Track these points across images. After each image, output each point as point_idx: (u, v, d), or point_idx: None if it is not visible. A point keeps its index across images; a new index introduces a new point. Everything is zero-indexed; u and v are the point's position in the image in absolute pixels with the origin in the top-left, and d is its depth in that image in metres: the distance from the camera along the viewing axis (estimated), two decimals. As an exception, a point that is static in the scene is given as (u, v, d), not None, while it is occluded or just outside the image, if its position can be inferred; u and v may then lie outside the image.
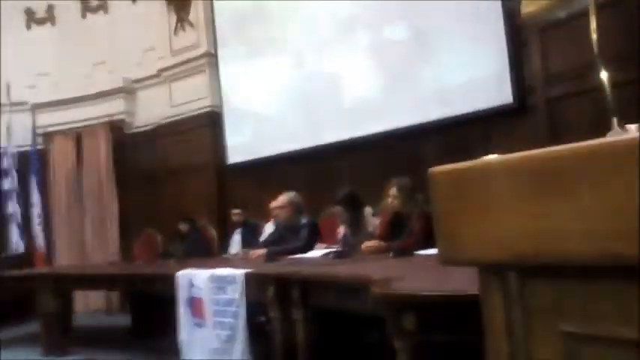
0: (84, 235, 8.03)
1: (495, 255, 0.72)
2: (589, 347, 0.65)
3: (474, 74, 4.88)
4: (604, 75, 1.83)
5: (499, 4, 4.70)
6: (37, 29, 8.90)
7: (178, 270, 3.92)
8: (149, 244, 7.16)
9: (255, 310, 3.37)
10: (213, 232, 6.54)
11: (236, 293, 3.25)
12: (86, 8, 8.71)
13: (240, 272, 3.27)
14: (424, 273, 2.46)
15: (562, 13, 1.27)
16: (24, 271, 6.38)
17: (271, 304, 3.01)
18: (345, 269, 2.85)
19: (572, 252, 0.63)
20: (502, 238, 0.70)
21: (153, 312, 5.64)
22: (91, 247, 7.93)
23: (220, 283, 3.37)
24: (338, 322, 2.85)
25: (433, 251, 3.16)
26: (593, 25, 1.11)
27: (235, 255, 5.40)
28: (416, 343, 1.84)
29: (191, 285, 3.66)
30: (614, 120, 1.09)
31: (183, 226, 6.37)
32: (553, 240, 0.64)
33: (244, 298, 3.23)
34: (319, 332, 2.83)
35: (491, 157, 0.76)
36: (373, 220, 4.18)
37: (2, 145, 8.18)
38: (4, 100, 8.31)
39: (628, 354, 0.61)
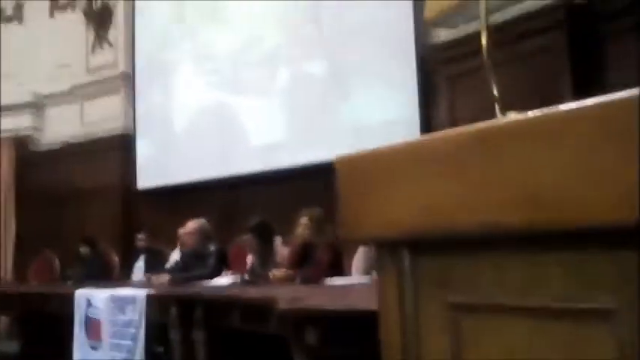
0: (-26, 254, 7.50)
1: (390, 233, 0.77)
2: (472, 315, 0.70)
3: (386, 115, 5.06)
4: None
5: (413, 49, 4.94)
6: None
7: (76, 290, 3.76)
8: (46, 266, 6.81)
9: (152, 338, 3.27)
10: (114, 257, 6.30)
11: (136, 314, 3.15)
12: (1, 18, 8.36)
13: (141, 292, 3.18)
14: (328, 295, 2.50)
15: (460, 20, 1.37)
16: None
17: (173, 325, 2.95)
18: (250, 292, 2.85)
19: (458, 226, 0.69)
20: (396, 217, 0.76)
21: (44, 336, 5.34)
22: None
23: (120, 304, 3.26)
24: (241, 346, 2.82)
25: (340, 280, 3.22)
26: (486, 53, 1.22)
27: (133, 281, 5.23)
28: (317, 357, 1.87)
29: (89, 304, 3.52)
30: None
31: (83, 249, 6.09)
32: (441, 216, 0.70)
33: (144, 320, 3.13)
34: (222, 355, 2.78)
35: (386, 145, 0.82)
36: (282, 250, 4.20)
37: None
38: None
39: (507, 320, 0.67)
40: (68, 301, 3.83)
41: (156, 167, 6.65)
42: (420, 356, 0.76)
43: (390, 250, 0.80)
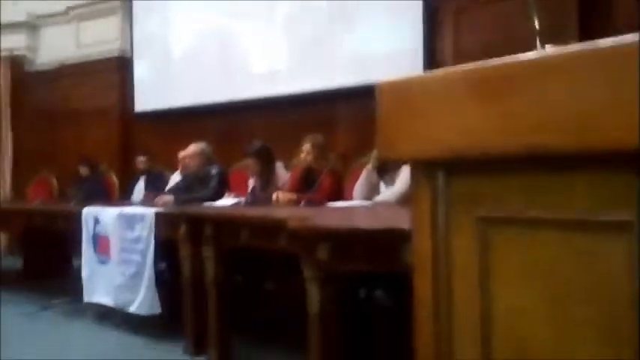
0: (-27, 171, 7.57)
1: (426, 152, 0.85)
2: (501, 228, 0.80)
3: (389, 46, 5.07)
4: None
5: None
6: None
7: (81, 208, 3.87)
8: (44, 185, 6.91)
9: (158, 254, 3.40)
10: (114, 178, 6.39)
11: (144, 231, 3.27)
12: None
13: (150, 211, 3.29)
14: (334, 215, 2.62)
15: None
16: None
17: (182, 242, 3.07)
18: (257, 212, 2.96)
19: (492, 147, 0.77)
20: (434, 139, 0.84)
21: (47, 253, 5.50)
22: (-21, 185, 7.49)
23: (128, 221, 3.38)
24: (248, 262, 2.96)
25: (341, 204, 3.35)
26: None
27: (137, 201, 5.34)
28: (328, 273, 2.00)
29: (96, 222, 3.63)
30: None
31: (83, 170, 6.17)
32: (477, 138, 0.79)
33: (152, 237, 3.26)
34: (230, 270, 2.93)
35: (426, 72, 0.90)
36: (284, 175, 4.30)
37: None
38: None
39: (534, 232, 0.77)
40: (74, 218, 3.94)
41: (155, 91, 6.65)
42: (450, 267, 0.87)
43: (425, 169, 0.88)
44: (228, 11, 6.09)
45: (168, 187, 5.10)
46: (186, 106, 6.31)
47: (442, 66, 4.85)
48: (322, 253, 1.98)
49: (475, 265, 0.83)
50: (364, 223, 2.24)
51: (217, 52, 6.16)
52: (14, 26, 7.74)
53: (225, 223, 2.86)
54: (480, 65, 0.81)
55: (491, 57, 0.82)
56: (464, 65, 0.83)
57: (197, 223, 3.00)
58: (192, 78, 6.31)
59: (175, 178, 5.52)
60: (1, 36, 7.69)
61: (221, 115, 6.08)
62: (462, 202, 0.85)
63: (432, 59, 4.96)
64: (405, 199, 3.27)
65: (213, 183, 4.61)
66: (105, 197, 5.83)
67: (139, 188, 5.81)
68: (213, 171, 4.69)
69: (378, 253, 1.89)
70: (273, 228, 2.40)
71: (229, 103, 5.98)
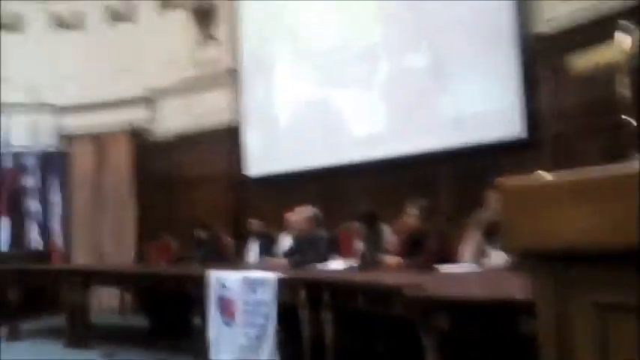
0: (101, 236, 8.32)
1: (547, 245, 1.03)
2: (617, 314, 0.96)
3: (486, 105, 5.21)
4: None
5: (514, 39, 5.04)
6: (65, 33, 9.22)
7: (207, 271, 4.21)
8: (165, 248, 7.43)
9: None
10: (229, 241, 6.81)
11: (267, 295, 3.54)
12: (114, 16, 9.05)
13: (272, 275, 3.57)
14: (448, 282, 2.76)
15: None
16: (55, 264, 6.65)
17: (302, 306, 3.31)
18: (371, 277, 3.15)
19: (604, 242, 0.95)
20: (553, 234, 1.02)
21: (170, 313, 5.92)
22: (107, 249, 8.20)
23: (252, 285, 3.67)
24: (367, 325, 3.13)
25: (451, 267, 3.47)
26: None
27: (254, 263, 5.68)
28: (446, 341, 2.15)
29: (222, 286, 3.95)
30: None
31: (200, 233, 6.64)
32: (591, 235, 0.96)
33: (276, 300, 3.52)
34: (349, 334, 3.11)
35: (544, 174, 1.08)
36: (390, 238, 4.48)
37: (26, 145, 8.48)
38: (29, 101, 8.63)
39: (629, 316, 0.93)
40: (199, 281, 4.28)
41: (263, 156, 7.11)
42: (572, 348, 1.03)
43: (546, 260, 1.06)
44: (328, 78, 6.48)
45: (280, 250, 5.40)
46: (292, 171, 6.68)
47: (541, 126, 4.95)
48: (441, 322, 2.13)
49: (594, 345, 0.99)
50: (480, 291, 2.37)
51: (320, 117, 6.53)
52: (134, 101, 8.58)
53: (342, 288, 3.07)
54: (590, 173, 0.99)
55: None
56: (577, 171, 1.01)
57: (316, 288, 3.22)
58: (297, 143, 6.70)
59: (285, 239, 5.84)
60: (123, 110, 8.54)
61: (325, 178, 6.38)
62: (578, 288, 1.02)
63: (530, 118, 5.03)
64: (514, 263, 3.35)
65: (323, 246, 4.86)
66: (221, 258, 6.23)
67: (252, 249, 6.19)
68: (323, 234, 4.95)
69: (494, 322, 2.02)
70: (390, 294, 2.58)
71: (332, 167, 6.28)
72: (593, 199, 0.98)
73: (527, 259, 1.14)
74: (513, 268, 3.35)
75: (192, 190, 7.73)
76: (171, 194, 8.00)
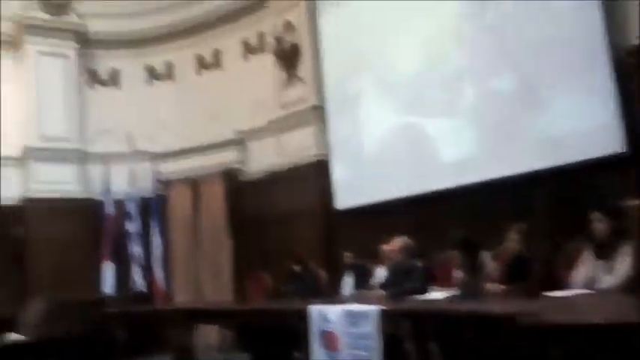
0: (200, 275, 8.63)
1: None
2: None
3: (581, 123, 5.03)
4: None
5: (606, 54, 4.87)
6: (157, 85, 9.82)
7: (307, 305, 4.26)
8: (260, 284, 7.60)
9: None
10: (323, 274, 6.87)
11: (370, 327, 3.53)
12: (202, 65, 9.55)
13: (374, 308, 3.57)
14: (561, 308, 2.66)
15: None
16: (158, 305, 6.93)
17: (407, 337, 3.28)
18: (477, 306, 3.09)
19: None
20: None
21: (270, 348, 6.01)
22: (206, 287, 8.49)
23: (354, 318, 3.68)
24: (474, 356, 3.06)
25: (561, 293, 3.35)
26: None
27: (351, 296, 5.70)
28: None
29: (323, 319, 3.99)
30: None
31: (295, 267, 6.76)
32: None
33: (379, 333, 3.51)
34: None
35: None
36: (491, 264, 4.38)
37: (127, 192, 8.99)
38: (128, 150, 9.18)
39: None
40: (299, 315, 4.33)
41: (352, 188, 7.18)
42: None
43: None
44: (413, 106, 6.49)
45: (377, 281, 5.40)
46: (383, 201, 6.69)
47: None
48: (560, 350, 2.06)
49: None
50: (596, 316, 2.28)
51: (407, 145, 6.53)
52: (225, 144, 8.93)
53: (447, 319, 3.02)
54: None
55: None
56: None
57: (420, 319, 3.19)
58: (386, 173, 6.72)
59: (380, 271, 5.82)
60: (215, 153, 8.92)
61: (417, 206, 6.32)
62: None
63: (629, 134, 4.80)
64: (630, 285, 3.19)
65: (419, 276, 4.81)
66: (316, 292, 6.30)
67: (347, 282, 6.21)
68: (418, 264, 4.91)
69: (614, 349, 1.93)
70: (501, 323, 2.52)
71: (424, 195, 6.23)
72: None
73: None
74: (626, 290, 3.20)
75: (285, 226, 7.86)
76: (265, 230, 8.17)
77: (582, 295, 3.25)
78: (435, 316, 3.09)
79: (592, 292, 3.34)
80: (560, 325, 2.14)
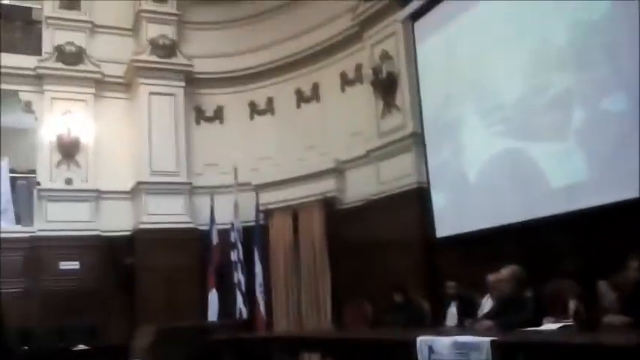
0: (300, 302, 8.74)
1: None
2: None
3: None
4: None
5: None
6: (258, 119, 10.19)
7: (412, 336, 4.19)
8: (360, 312, 7.58)
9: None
10: (424, 304, 6.75)
11: (482, 359, 3.42)
12: (300, 98, 9.82)
13: (485, 339, 3.45)
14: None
15: None
16: (261, 333, 7.08)
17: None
18: (596, 338, 2.92)
19: None
20: None
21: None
22: (306, 314, 8.58)
23: (464, 349, 3.57)
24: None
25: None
26: None
27: (456, 327, 5.56)
28: None
29: (431, 351, 3.90)
30: None
31: (397, 296, 6.69)
32: None
33: (491, 365, 3.39)
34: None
35: None
36: (609, 294, 4.13)
37: (231, 222, 9.31)
38: (231, 182, 9.54)
39: None
40: (400, 345, 4.27)
41: (454, 216, 7.03)
42: None
43: None
44: (517, 130, 6.26)
45: (483, 312, 5.23)
46: (486, 229, 6.49)
47: None
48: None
49: None
50: None
51: (511, 171, 6.29)
52: (324, 173, 9.07)
53: (566, 351, 2.87)
54: None
55: None
56: None
57: (535, 350, 3.06)
58: (490, 200, 6.52)
59: (486, 302, 5.65)
60: (314, 182, 9.07)
61: (523, 234, 6.07)
62: None
63: None
64: None
65: (530, 306, 4.62)
66: (419, 322, 6.19)
67: (451, 313, 6.06)
68: (529, 294, 4.72)
69: None
70: (624, 356, 2.37)
71: (530, 222, 5.98)
72: None
73: None
74: None
75: (384, 254, 7.81)
76: (364, 258, 8.15)
77: None
78: (550, 348, 2.95)
79: None
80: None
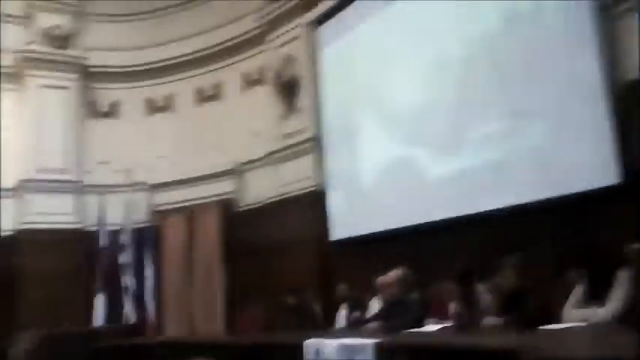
0: (192, 307, 8.52)
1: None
2: None
3: (575, 159, 4.99)
4: None
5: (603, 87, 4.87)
6: (156, 116, 9.85)
7: (301, 339, 4.18)
8: (253, 316, 7.50)
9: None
10: (316, 307, 6.78)
11: (365, 361, 3.46)
12: (201, 97, 9.61)
13: (370, 341, 3.50)
14: (555, 342, 2.61)
15: None
16: (147, 338, 6.80)
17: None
18: (473, 340, 3.03)
19: None
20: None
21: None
22: (198, 319, 8.37)
23: (349, 352, 3.60)
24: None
25: (555, 326, 3.30)
26: None
27: (345, 329, 5.61)
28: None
29: (317, 353, 3.90)
30: None
31: (290, 299, 6.66)
32: None
33: (374, 367, 3.43)
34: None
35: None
36: (486, 297, 4.33)
37: (121, 223, 8.93)
38: (124, 181, 9.17)
39: None
40: (290, 349, 4.24)
41: (348, 219, 7.13)
42: None
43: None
44: (412, 137, 6.46)
45: (371, 314, 5.32)
46: (379, 232, 6.63)
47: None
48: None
49: None
50: (589, 351, 2.24)
51: (404, 177, 6.48)
52: (223, 174, 8.94)
53: (447, 353, 2.95)
54: None
55: None
56: None
57: (417, 353, 3.13)
58: (383, 205, 6.68)
59: (375, 304, 5.75)
60: (211, 184, 8.90)
61: (413, 238, 6.25)
62: None
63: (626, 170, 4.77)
64: (622, 316, 3.16)
65: (414, 309, 4.75)
66: (311, 325, 6.20)
67: (342, 315, 6.12)
68: (414, 296, 4.85)
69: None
70: (498, 357, 2.46)
71: (419, 227, 6.18)
72: None
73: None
74: (619, 324, 3.15)
75: (281, 257, 7.76)
76: (259, 261, 8.06)
77: (576, 328, 3.20)
78: (432, 349, 3.03)
79: (584, 325, 3.29)
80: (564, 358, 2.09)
